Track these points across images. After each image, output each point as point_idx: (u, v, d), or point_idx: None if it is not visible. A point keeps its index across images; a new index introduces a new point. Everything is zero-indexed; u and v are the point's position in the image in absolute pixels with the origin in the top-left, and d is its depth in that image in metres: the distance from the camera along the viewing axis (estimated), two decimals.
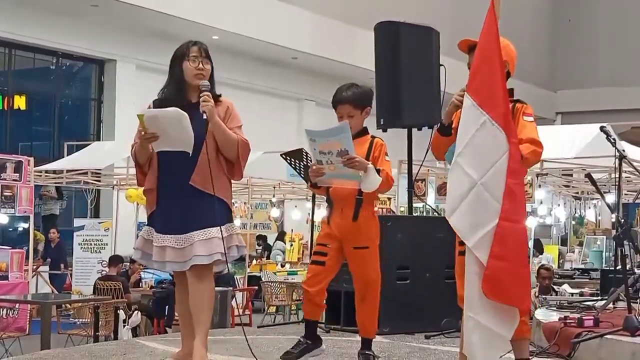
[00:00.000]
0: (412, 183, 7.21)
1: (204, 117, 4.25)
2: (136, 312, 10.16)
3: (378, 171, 4.58)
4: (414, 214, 7.57)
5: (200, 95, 4.29)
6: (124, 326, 9.67)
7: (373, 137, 4.78)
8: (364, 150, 4.66)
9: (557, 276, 11.22)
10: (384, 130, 6.96)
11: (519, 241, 3.70)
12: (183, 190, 4.28)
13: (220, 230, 4.27)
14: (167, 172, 4.35)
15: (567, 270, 13.20)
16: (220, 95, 4.47)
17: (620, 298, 6.08)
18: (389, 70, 6.76)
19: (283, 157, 7.07)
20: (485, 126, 3.71)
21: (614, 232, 6.77)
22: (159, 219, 4.39)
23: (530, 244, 15.56)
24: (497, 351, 3.74)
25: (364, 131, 4.77)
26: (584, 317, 5.23)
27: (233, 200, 17.44)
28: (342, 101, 4.72)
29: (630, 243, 5.37)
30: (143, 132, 4.25)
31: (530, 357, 4.87)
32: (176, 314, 4.71)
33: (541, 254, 15.83)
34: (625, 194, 13.28)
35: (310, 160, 6.74)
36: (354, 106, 4.71)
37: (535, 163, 4.17)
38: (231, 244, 4.38)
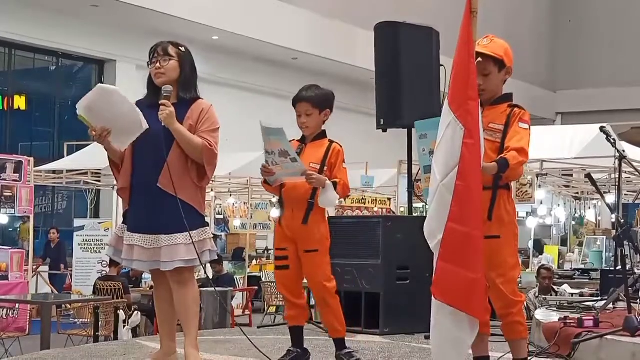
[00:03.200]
0: (412, 183, 7.22)
1: (163, 124, 4.23)
2: (136, 312, 10.14)
3: (335, 184, 4.60)
4: (414, 214, 7.58)
5: (160, 102, 4.27)
6: (124, 326, 9.65)
7: (331, 141, 4.77)
8: (320, 154, 4.67)
9: (557, 276, 11.21)
10: (384, 131, 6.98)
11: (466, 246, 3.62)
12: (152, 191, 4.28)
13: (190, 236, 4.26)
14: (139, 172, 4.36)
15: (567, 270, 13.19)
16: (197, 99, 4.43)
17: (620, 298, 6.07)
18: (389, 71, 6.76)
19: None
20: (451, 126, 3.67)
21: (614, 232, 6.77)
22: (130, 218, 4.41)
23: (530, 244, 15.62)
24: (455, 352, 3.73)
25: (321, 134, 4.79)
26: (584, 318, 5.23)
27: (233, 201, 17.35)
28: (300, 99, 4.75)
29: (630, 243, 5.37)
30: (93, 132, 4.25)
31: (530, 357, 4.89)
32: None
33: (541, 254, 15.83)
34: (625, 194, 13.28)
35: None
36: (312, 105, 4.73)
37: (519, 174, 4.14)
38: (204, 249, 4.37)
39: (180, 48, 4.44)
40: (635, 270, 6.98)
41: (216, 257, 4.62)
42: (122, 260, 4.45)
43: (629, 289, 5.32)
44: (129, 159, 4.39)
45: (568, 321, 5.24)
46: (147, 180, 4.31)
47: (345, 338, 4.86)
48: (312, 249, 4.68)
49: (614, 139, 5.85)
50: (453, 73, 3.75)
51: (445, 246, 3.65)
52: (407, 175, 7.52)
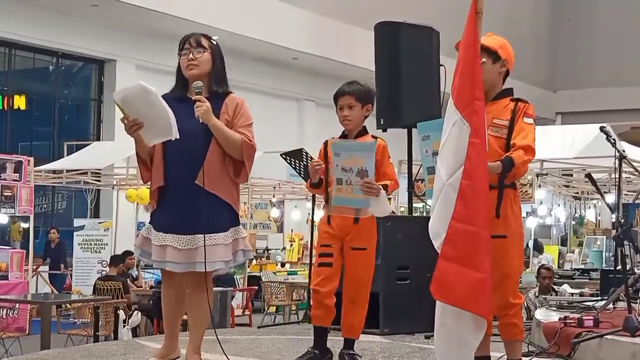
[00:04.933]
0: (412, 183, 7.21)
1: (200, 121, 4.14)
2: (136, 312, 10.15)
3: (385, 187, 4.54)
4: (414, 214, 7.57)
5: (193, 98, 4.17)
6: (124, 326, 9.67)
7: (375, 137, 4.71)
8: None
9: (557, 276, 11.22)
10: (384, 130, 6.97)
11: (471, 245, 3.59)
12: (188, 190, 4.18)
13: (220, 237, 4.20)
14: (174, 170, 4.24)
15: (567, 270, 13.20)
16: (229, 92, 4.35)
17: (620, 298, 6.08)
18: (389, 71, 6.76)
19: (283, 157, 7.10)
20: (457, 125, 3.66)
21: (613, 232, 6.77)
22: (160, 217, 4.30)
23: (530, 243, 15.62)
24: (461, 353, 3.72)
25: (364, 130, 4.74)
26: (584, 317, 5.22)
27: None
28: (344, 92, 4.70)
29: (630, 243, 5.37)
30: (125, 121, 4.15)
31: (530, 357, 4.89)
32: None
33: (541, 254, 15.84)
34: (626, 194, 13.28)
35: (309, 159, 6.76)
36: (355, 98, 4.67)
37: (524, 172, 4.12)
38: (237, 249, 4.31)
39: (212, 40, 4.37)
40: (635, 270, 6.98)
41: (251, 257, 4.57)
42: (152, 261, 4.33)
43: (629, 288, 5.32)
44: (160, 156, 4.27)
45: (568, 321, 5.24)
46: (183, 178, 4.19)
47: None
48: (360, 247, 4.65)
49: (614, 139, 5.85)
50: (458, 73, 3.73)
51: (448, 245, 3.63)
52: (407, 175, 7.51)
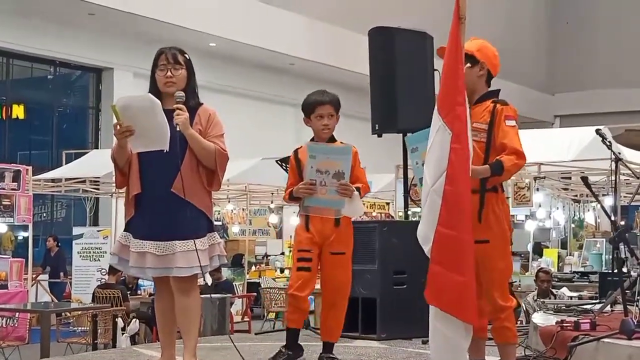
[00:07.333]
0: (407, 188, 7.22)
1: (177, 129, 4.21)
2: (135, 320, 10.15)
3: (359, 190, 4.67)
4: (410, 219, 7.57)
5: (175, 107, 4.24)
6: (123, 334, 9.66)
7: (344, 144, 4.82)
8: None
9: (556, 279, 11.22)
10: (379, 136, 6.98)
11: (454, 249, 3.63)
12: (164, 197, 4.26)
13: (195, 243, 4.26)
14: (149, 178, 4.32)
15: (567, 273, 13.18)
16: (201, 104, 4.44)
17: (618, 301, 6.07)
18: (384, 76, 6.77)
19: (278, 163, 7.10)
20: (440, 131, 3.69)
21: None
22: (137, 225, 4.36)
23: (529, 247, 15.60)
24: (453, 357, 3.73)
25: (333, 138, 4.88)
26: (580, 321, 5.22)
27: (232, 207, 17.31)
28: (324, 102, 4.83)
29: (626, 246, 5.37)
30: (118, 126, 4.21)
31: None
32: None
33: (540, 257, 15.82)
34: (625, 196, 13.26)
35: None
36: (335, 108, 4.84)
37: (510, 177, 4.12)
38: (213, 254, 4.39)
39: (185, 55, 4.45)
40: (632, 273, 6.97)
41: (225, 262, 4.65)
42: (130, 268, 4.39)
43: (626, 291, 5.32)
44: (136, 163, 4.35)
45: (565, 324, 5.24)
46: (159, 186, 4.28)
47: (344, 341, 4.89)
48: (339, 252, 4.76)
49: (609, 142, 5.86)
50: (442, 79, 3.76)
51: (435, 250, 3.67)
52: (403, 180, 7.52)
